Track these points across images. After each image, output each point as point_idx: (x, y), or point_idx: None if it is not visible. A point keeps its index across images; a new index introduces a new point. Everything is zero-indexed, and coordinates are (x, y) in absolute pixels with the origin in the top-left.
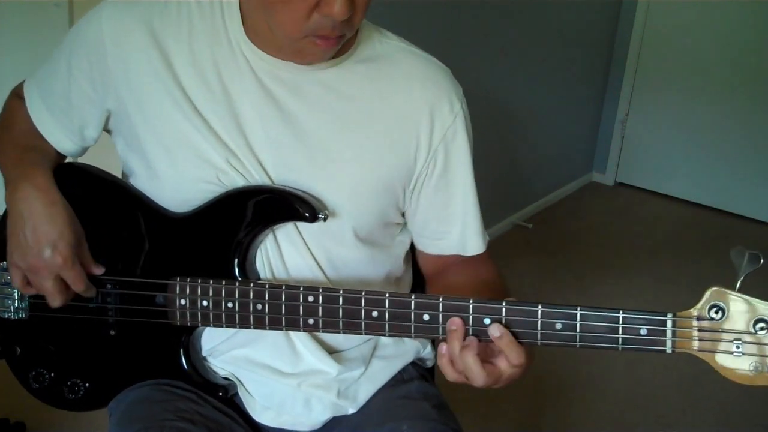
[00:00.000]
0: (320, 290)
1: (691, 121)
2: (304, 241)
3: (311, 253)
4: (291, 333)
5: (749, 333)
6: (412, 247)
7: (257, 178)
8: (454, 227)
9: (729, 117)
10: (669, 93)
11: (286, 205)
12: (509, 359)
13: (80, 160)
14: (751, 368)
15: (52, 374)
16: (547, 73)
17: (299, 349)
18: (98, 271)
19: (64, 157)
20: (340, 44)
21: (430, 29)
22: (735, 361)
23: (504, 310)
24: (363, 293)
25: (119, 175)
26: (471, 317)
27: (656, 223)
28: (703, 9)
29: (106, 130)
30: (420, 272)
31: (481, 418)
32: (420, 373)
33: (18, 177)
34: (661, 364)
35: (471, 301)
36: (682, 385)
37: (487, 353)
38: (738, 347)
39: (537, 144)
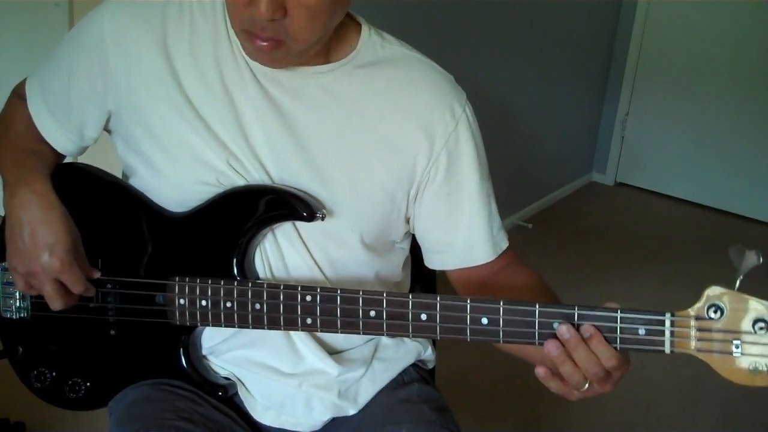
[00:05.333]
0: (318, 290)
1: (691, 122)
2: (303, 241)
3: (310, 253)
4: (292, 334)
5: (749, 333)
6: (412, 251)
7: (258, 180)
8: (458, 238)
9: (729, 117)
10: (669, 93)
11: (284, 205)
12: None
13: (81, 159)
14: (751, 368)
15: (54, 373)
16: (547, 73)
17: (300, 350)
18: (95, 275)
19: (63, 157)
20: (279, 52)
21: (430, 29)
22: (734, 362)
23: (501, 309)
24: (361, 293)
25: (119, 175)
26: (468, 317)
27: (656, 223)
28: (703, 9)
29: (106, 130)
30: (420, 278)
31: (481, 418)
32: (421, 375)
33: (16, 182)
34: (661, 364)
35: (468, 301)
36: (682, 386)
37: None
38: (737, 347)
39: (537, 144)
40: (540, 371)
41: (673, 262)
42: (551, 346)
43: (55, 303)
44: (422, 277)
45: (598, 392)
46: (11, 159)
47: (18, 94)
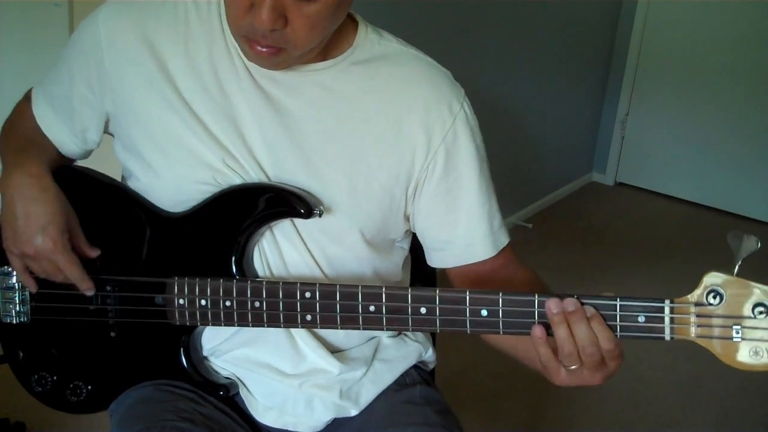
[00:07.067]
0: (317, 286)
1: (691, 121)
2: (302, 239)
3: (309, 251)
4: (293, 332)
5: (748, 318)
6: (413, 251)
7: (255, 178)
8: (458, 235)
9: (729, 117)
10: (669, 93)
11: (281, 202)
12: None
13: (80, 162)
14: (751, 354)
15: (55, 377)
16: (547, 73)
17: (301, 348)
18: (93, 253)
19: (71, 160)
20: (279, 57)
21: (430, 29)
22: (735, 347)
23: (501, 300)
24: (360, 288)
25: (119, 178)
26: (468, 309)
27: (656, 223)
28: (703, 9)
29: (108, 132)
30: (421, 277)
31: (481, 417)
32: (422, 377)
33: (13, 164)
34: (661, 363)
35: (467, 293)
36: (682, 385)
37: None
38: (737, 332)
39: (537, 144)
40: (536, 330)
41: (672, 261)
42: (552, 303)
43: (58, 276)
44: (423, 276)
45: (586, 381)
46: (14, 144)
47: (28, 98)
